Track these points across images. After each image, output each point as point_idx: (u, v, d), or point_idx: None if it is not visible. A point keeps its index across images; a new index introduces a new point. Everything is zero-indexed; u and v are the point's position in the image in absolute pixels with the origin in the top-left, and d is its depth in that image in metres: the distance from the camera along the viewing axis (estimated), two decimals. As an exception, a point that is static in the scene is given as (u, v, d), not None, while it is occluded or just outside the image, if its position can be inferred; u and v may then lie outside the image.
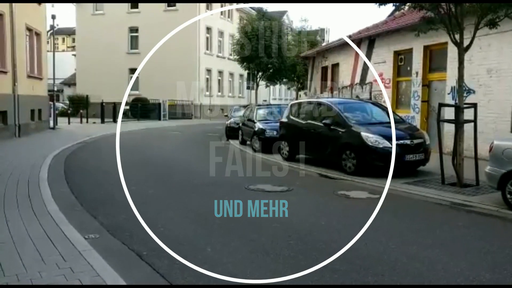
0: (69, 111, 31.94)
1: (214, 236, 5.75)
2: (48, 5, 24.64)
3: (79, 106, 33.81)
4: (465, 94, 11.35)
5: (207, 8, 39.27)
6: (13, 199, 7.30)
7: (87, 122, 30.01)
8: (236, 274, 4.43)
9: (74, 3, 40.66)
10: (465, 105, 9.07)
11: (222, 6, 41.70)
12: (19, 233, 5.43)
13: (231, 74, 44.27)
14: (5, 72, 17.00)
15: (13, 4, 17.39)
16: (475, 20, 8.69)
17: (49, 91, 24.07)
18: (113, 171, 11.20)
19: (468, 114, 9.03)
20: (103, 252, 4.86)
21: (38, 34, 21.17)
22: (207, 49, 40.06)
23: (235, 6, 43.07)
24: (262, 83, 32.67)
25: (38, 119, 21.15)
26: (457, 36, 8.80)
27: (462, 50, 8.86)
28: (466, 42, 8.83)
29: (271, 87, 39.73)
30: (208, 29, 39.93)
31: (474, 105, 9.08)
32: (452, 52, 11.69)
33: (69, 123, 27.70)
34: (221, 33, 42.28)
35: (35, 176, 9.50)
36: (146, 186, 9.03)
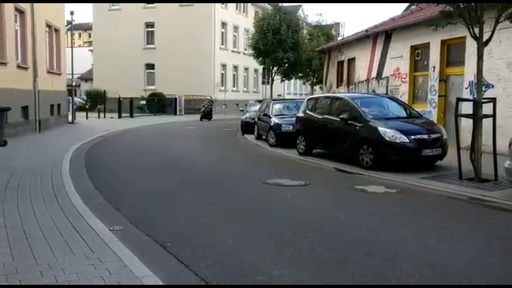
0: (86, 106, 32.37)
1: (235, 229, 5.88)
2: (66, 1, 24.88)
3: (97, 101, 34.22)
4: (483, 89, 11.29)
5: (222, 4, 39.34)
6: (39, 192, 7.51)
7: (104, 116, 30.39)
8: (258, 266, 4.55)
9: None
10: (484, 100, 9.04)
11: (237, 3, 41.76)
12: (47, 225, 5.61)
13: (246, 69, 44.37)
14: (26, 68, 17.32)
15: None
16: (495, 14, 8.62)
17: (67, 86, 24.43)
18: (132, 165, 11.42)
19: (486, 109, 9.00)
20: (128, 243, 5.00)
21: (57, 30, 21.50)
22: (222, 44, 40.17)
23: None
24: (277, 77, 32.67)
25: (57, 114, 21.53)
26: (476, 30, 8.76)
27: (482, 44, 8.80)
28: (485, 36, 8.77)
29: (286, 81, 39.65)
30: (223, 24, 40.04)
31: (493, 100, 9.04)
32: (471, 46, 11.62)
33: (87, 117, 28.09)
34: (236, 28, 42.34)
35: (58, 170, 9.73)
36: (165, 180, 9.20)
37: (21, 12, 17.04)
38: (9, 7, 15.76)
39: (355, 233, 5.70)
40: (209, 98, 32.59)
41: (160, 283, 3.99)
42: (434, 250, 5.04)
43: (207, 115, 29.93)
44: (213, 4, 37.76)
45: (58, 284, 3.90)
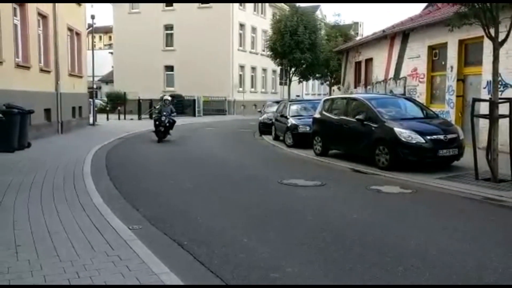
0: (107, 108, 32.86)
1: (250, 227, 6.02)
2: (88, 4, 25.44)
3: (117, 103, 34.74)
4: (501, 89, 11.24)
5: (240, 5, 39.59)
6: (61, 192, 7.77)
7: (124, 118, 30.84)
8: (272, 263, 4.68)
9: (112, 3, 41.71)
10: (500, 100, 9.00)
11: (255, 4, 41.96)
12: (69, 223, 5.84)
13: (264, 70, 44.51)
14: (49, 71, 17.76)
15: (56, 6, 18.13)
16: (511, 14, 8.60)
17: (88, 88, 24.90)
18: (151, 166, 11.65)
19: (504, 109, 8.94)
20: (147, 241, 5.18)
21: (78, 34, 21.98)
22: (240, 45, 40.41)
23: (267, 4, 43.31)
24: (295, 78, 32.71)
25: (79, 116, 21.95)
26: (492, 31, 8.74)
27: (497, 45, 8.78)
28: (501, 36, 8.75)
29: (304, 82, 39.67)
30: (242, 26, 40.27)
31: (509, 100, 8.99)
32: (489, 46, 11.52)
33: (107, 119, 28.56)
34: (254, 29, 42.54)
35: (79, 170, 10.01)
36: (183, 180, 9.39)
37: (44, 17, 17.49)
38: (32, 12, 16.20)
39: (368, 232, 5.78)
40: (168, 99, 18.81)
41: (177, 279, 4.15)
42: (445, 249, 5.10)
43: (166, 131, 17.41)
44: (231, 5, 38.03)
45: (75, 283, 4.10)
